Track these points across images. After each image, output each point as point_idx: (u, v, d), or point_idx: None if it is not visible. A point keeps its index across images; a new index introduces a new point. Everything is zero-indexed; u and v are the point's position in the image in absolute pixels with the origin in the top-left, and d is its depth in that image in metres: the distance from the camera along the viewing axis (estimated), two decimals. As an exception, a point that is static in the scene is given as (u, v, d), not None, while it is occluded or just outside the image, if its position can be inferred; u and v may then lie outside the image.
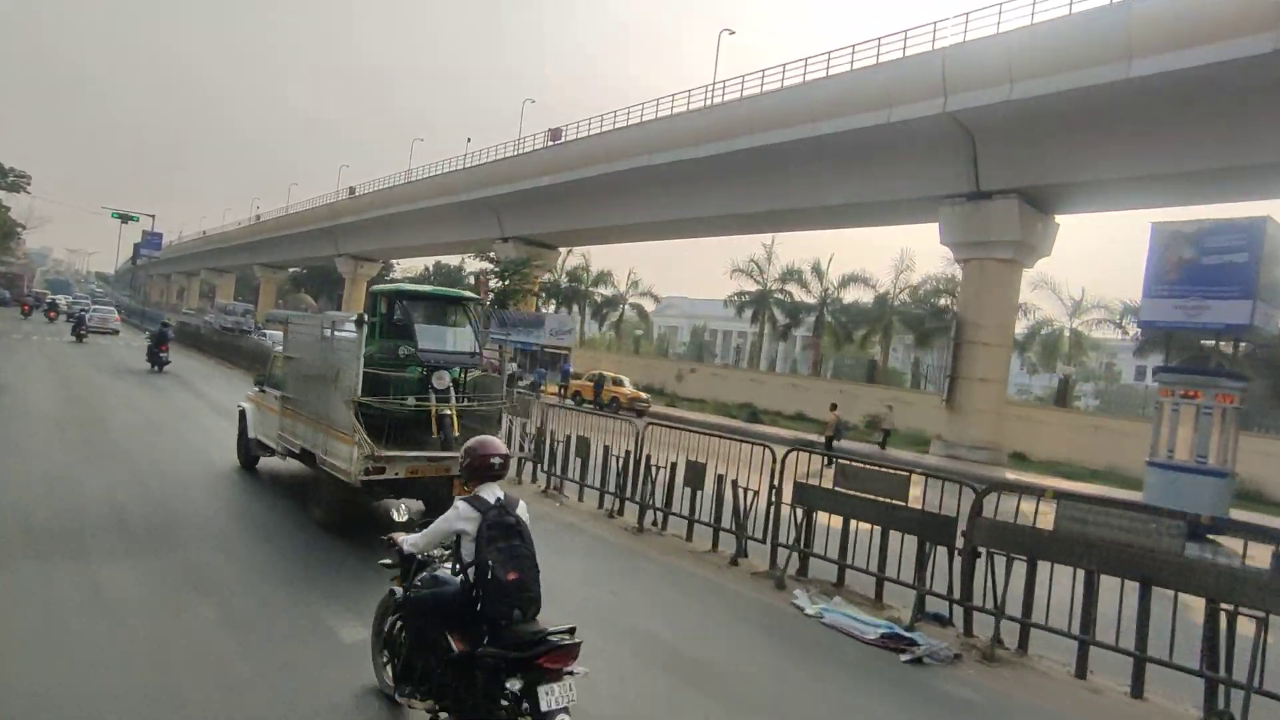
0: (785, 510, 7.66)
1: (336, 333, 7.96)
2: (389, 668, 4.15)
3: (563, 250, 47.87)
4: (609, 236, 41.67)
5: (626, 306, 56.46)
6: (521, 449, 10.87)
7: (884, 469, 7.25)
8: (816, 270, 43.07)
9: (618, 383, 31.40)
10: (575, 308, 55.29)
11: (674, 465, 8.94)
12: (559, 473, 10.59)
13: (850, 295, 43.21)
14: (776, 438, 14.87)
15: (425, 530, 3.85)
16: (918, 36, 24.20)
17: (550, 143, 38.42)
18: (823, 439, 22.21)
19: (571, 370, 35.74)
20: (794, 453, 7.83)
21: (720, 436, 8.93)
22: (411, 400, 7.92)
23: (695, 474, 8.54)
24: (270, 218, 71.94)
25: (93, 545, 6.53)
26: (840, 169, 27.39)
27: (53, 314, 42.77)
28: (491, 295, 40.21)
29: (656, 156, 32.15)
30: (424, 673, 3.79)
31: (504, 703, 3.34)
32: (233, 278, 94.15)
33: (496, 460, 3.83)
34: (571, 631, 3.40)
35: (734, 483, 8.10)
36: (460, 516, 3.62)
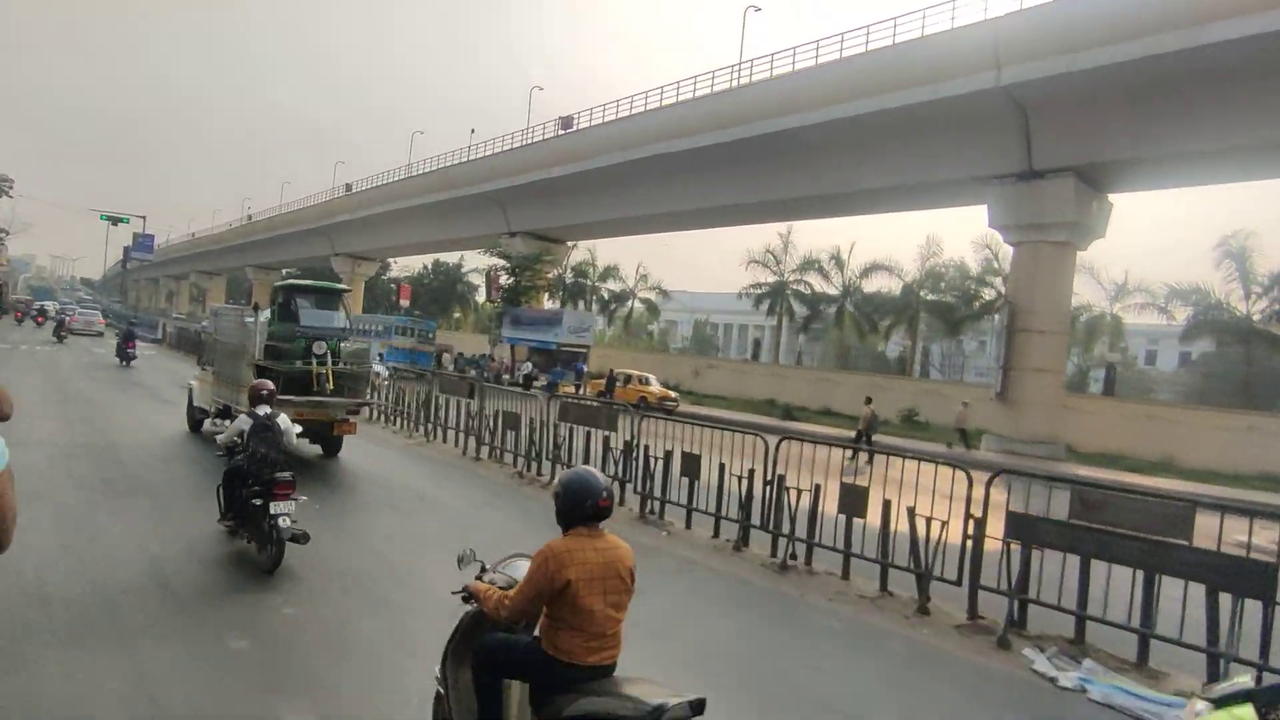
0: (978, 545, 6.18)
1: (246, 318, 11.40)
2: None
3: (570, 244, 46.06)
4: (624, 229, 40.03)
5: (636, 301, 54.81)
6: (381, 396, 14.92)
7: (1147, 496, 5.74)
8: (837, 259, 41.62)
9: (644, 381, 29.85)
10: (581, 304, 53.63)
11: (818, 488, 7.42)
12: (659, 495, 9.05)
13: (872, 285, 41.82)
14: (822, 436, 13.13)
15: (225, 431, 6.75)
16: (966, 6, 22.77)
17: (561, 131, 36.75)
18: (854, 434, 20.92)
19: (586, 369, 34.17)
20: (1001, 477, 6.29)
21: (880, 452, 7.40)
22: (298, 363, 10.96)
23: (854, 499, 7.02)
24: (262, 218, 69.86)
25: (131, 619, 4.97)
26: (878, 150, 25.90)
27: (41, 319, 43.38)
28: (502, 292, 38.54)
29: (677, 143, 30.55)
30: (234, 508, 6.52)
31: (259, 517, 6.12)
32: (223, 280, 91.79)
33: (265, 391, 6.77)
34: (292, 474, 6.22)
35: (911, 510, 6.58)
36: (242, 422, 6.52)
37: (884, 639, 5.79)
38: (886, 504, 6.81)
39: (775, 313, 45.42)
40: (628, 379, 29.91)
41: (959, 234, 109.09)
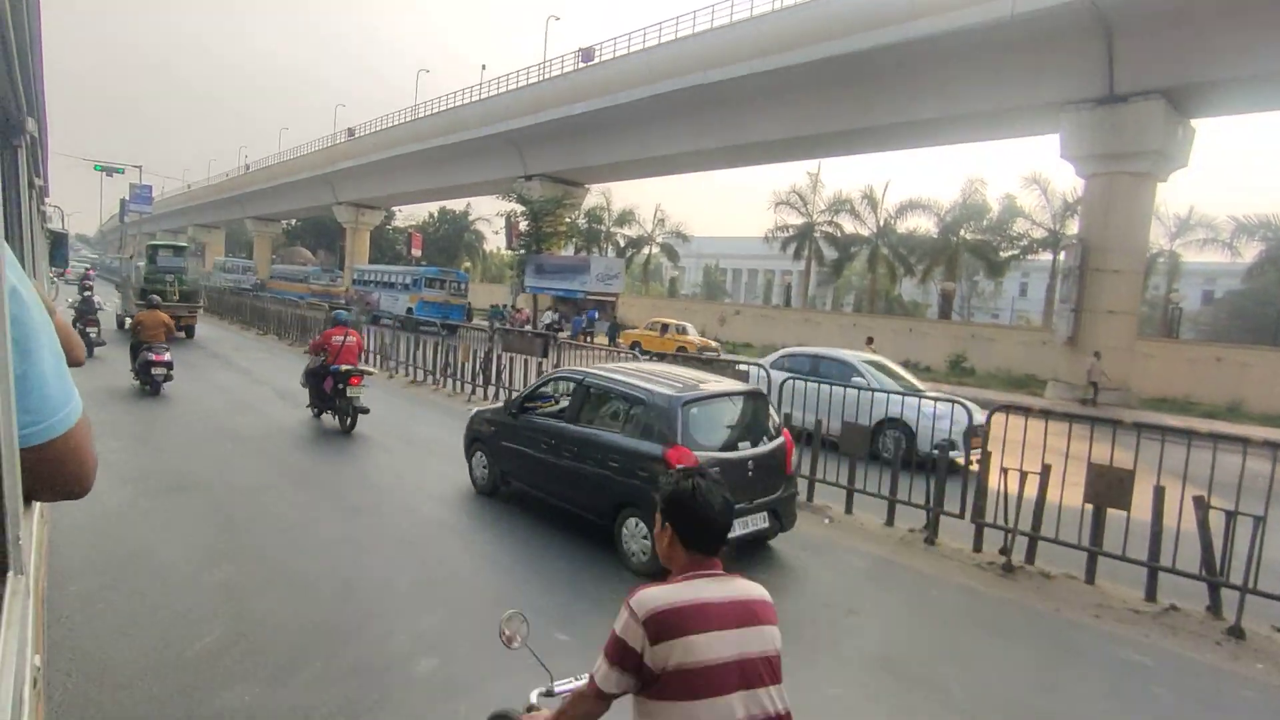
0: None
1: (135, 264, 25.18)
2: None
3: (589, 187, 43.89)
4: (649, 169, 37.82)
5: (654, 247, 52.76)
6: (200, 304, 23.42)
7: None
8: (870, 198, 39.57)
9: (682, 330, 28.27)
10: (596, 250, 51.63)
11: (1047, 469, 5.94)
12: (807, 474, 7.58)
13: (906, 225, 39.91)
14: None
15: (70, 302, 16.40)
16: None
17: (582, 64, 34.37)
18: None
19: (598, 316, 32.42)
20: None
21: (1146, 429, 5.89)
22: (159, 285, 19.62)
23: (1109, 485, 5.53)
24: (260, 167, 67.17)
25: (225, 698, 3.55)
26: (940, 76, 23.83)
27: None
28: (522, 239, 36.61)
29: (712, 73, 28.36)
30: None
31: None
32: (221, 233, 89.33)
33: (87, 283, 18.42)
34: (96, 315, 15.72)
35: (1203, 501, 5.10)
36: (76, 298, 16.22)
37: (1228, 686, 4.33)
38: (1160, 491, 5.33)
39: (802, 256, 43.51)
40: (664, 328, 28.33)
41: (1003, 171, 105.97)
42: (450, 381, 14.30)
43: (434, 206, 65.49)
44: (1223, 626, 4.96)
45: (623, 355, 15.62)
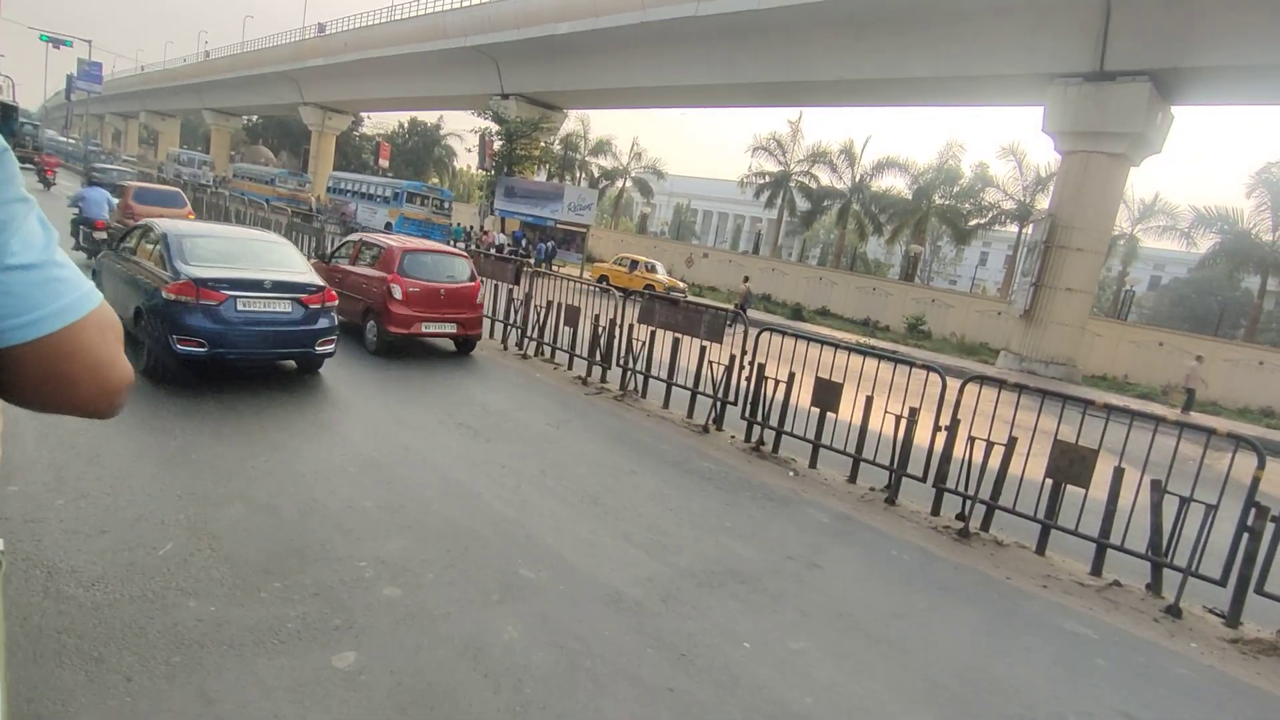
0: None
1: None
2: None
3: (570, 113, 42.71)
4: (632, 99, 36.88)
5: (628, 180, 51.94)
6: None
7: None
8: (848, 153, 39.36)
9: (650, 268, 28.06)
10: (569, 178, 50.58)
11: (1014, 441, 6.09)
12: (774, 425, 7.67)
13: (881, 184, 39.95)
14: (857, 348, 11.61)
15: None
16: None
17: (573, -19, 32.98)
18: (732, 308, 23.72)
19: (549, 247, 31.58)
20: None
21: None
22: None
23: (1071, 462, 5.71)
24: (223, 55, 63.65)
25: (191, 628, 3.50)
26: (932, 35, 23.53)
27: None
28: (495, 159, 35.60)
29: (705, 5, 27.53)
30: None
31: None
32: (177, 123, 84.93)
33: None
34: None
35: (1160, 485, 5.30)
36: None
37: (1163, 661, 4.56)
38: (1119, 473, 5.52)
39: (775, 205, 43.31)
40: (633, 264, 28.09)
41: (980, 140, 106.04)
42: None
43: (405, 116, 63.19)
44: (1161, 605, 5.23)
45: (591, 287, 15.49)
